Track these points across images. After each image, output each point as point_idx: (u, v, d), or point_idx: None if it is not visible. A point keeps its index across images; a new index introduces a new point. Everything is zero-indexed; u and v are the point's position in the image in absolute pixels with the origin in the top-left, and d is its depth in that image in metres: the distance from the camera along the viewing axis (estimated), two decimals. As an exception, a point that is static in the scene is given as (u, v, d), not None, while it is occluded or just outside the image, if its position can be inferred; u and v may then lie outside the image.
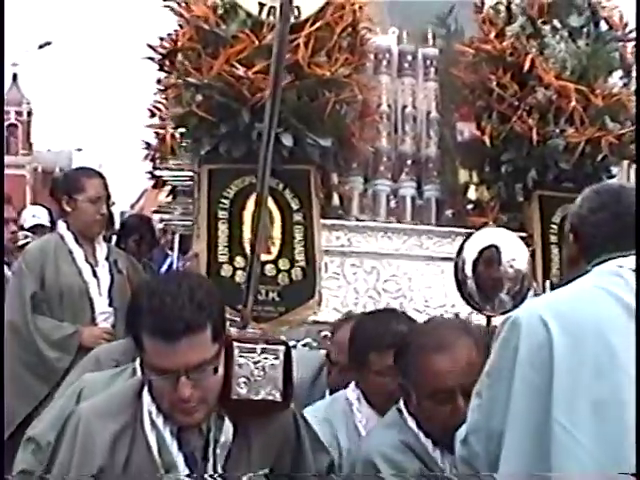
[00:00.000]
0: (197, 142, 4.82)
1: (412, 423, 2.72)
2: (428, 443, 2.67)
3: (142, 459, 2.45)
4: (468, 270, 3.66)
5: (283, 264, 4.75)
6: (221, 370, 2.45)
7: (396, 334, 3.02)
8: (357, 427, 3.17)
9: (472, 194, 5.18)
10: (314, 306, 4.73)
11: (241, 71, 4.57)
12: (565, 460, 2.04)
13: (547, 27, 5.07)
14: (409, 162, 5.35)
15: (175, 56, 4.86)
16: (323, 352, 4.06)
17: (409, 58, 5.41)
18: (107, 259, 5.14)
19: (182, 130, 4.95)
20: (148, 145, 6.01)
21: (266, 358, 2.56)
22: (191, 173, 5.14)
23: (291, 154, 4.82)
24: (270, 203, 4.86)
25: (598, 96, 5.00)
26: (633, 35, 5.20)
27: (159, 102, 5.31)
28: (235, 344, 2.52)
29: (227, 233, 4.74)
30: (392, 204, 5.30)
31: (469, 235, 3.94)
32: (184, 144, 5.13)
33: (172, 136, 5.11)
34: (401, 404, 2.80)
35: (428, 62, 5.45)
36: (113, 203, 5.19)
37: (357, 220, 5.10)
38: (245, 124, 4.68)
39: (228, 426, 2.50)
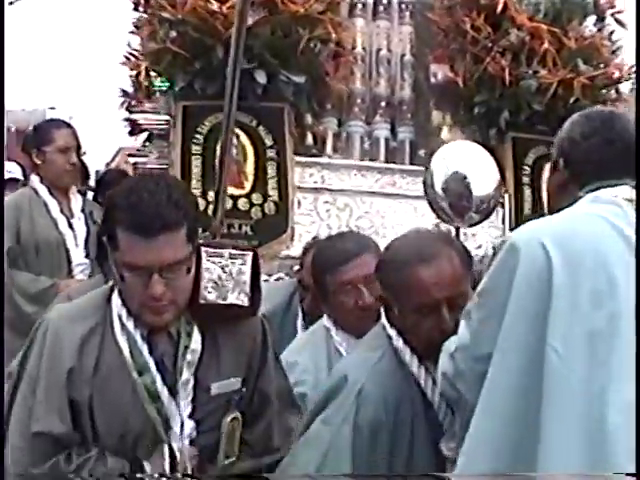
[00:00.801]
0: (171, 79, 4.83)
1: (397, 340, 2.65)
2: (413, 360, 2.61)
3: (113, 361, 2.43)
4: (438, 188, 3.68)
5: (256, 198, 4.78)
6: (192, 272, 2.44)
7: (343, 251, 3.06)
8: (338, 350, 3.15)
9: (445, 135, 5.21)
10: (287, 241, 4.76)
11: (215, 6, 4.59)
12: (556, 386, 1.99)
13: (520, -31, 5.11)
14: (383, 104, 5.38)
15: (149, -2, 4.87)
16: (293, 280, 4.09)
17: (384, 2, 5.44)
18: (82, 211, 5.10)
19: (157, 68, 4.95)
20: (124, 92, 6.01)
21: (234, 263, 2.56)
22: (167, 117, 5.15)
23: (265, 91, 4.84)
24: (244, 139, 4.91)
25: (571, 39, 5.04)
26: (606, -21, 5.25)
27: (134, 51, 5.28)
28: (203, 249, 2.51)
29: (200, 168, 4.77)
30: (366, 146, 5.34)
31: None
32: (158, 84, 5.14)
33: (147, 74, 5.09)
34: (384, 319, 2.73)
35: (403, 6, 5.47)
36: (84, 153, 5.11)
37: (330, 158, 5.12)
38: (219, 60, 4.68)
39: (197, 333, 2.49)
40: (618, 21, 5.22)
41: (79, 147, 5.17)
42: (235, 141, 4.89)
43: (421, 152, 5.27)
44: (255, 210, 4.77)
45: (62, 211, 4.97)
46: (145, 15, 5.05)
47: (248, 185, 4.80)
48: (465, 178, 3.72)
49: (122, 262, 2.36)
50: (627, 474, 1.89)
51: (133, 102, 5.78)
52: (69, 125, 5.14)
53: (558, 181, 2.39)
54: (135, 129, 5.83)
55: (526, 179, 5.15)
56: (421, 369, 2.51)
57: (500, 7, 5.01)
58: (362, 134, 5.34)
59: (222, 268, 2.55)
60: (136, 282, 2.36)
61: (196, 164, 4.75)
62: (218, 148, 4.74)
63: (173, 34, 4.72)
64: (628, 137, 2.31)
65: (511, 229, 4.08)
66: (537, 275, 2.07)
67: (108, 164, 11.61)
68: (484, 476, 2.10)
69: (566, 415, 1.98)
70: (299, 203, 4.92)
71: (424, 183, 3.78)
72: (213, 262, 2.55)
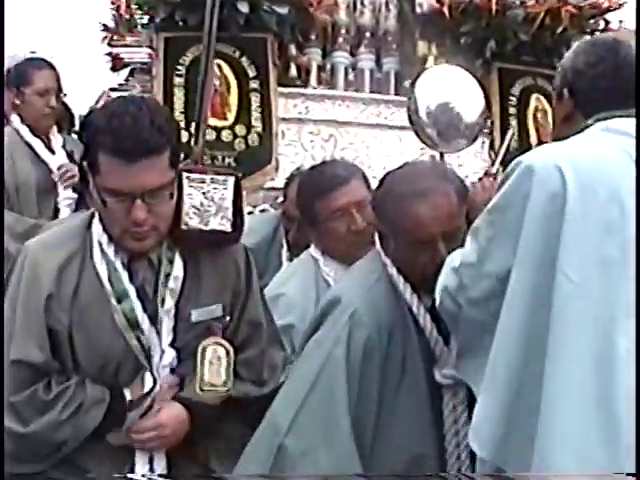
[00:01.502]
0: (153, 10, 4.74)
1: (392, 268, 2.63)
2: (407, 288, 2.59)
3: (91, 288, 2.38)
4: (423, 114, 3.62)
5: (239, 130, 4.72)
6: (174, 198, 2.39)
7: (333, 177, 3.00)
8: (326, 280, 3.12)
9: (431, 66, 5.13)
10: (271, 172, 4.71)
11: None
12: (565, 310, 1.95)
13: None
14: (368, 35, 5.32)
15: None
16: (277, 213, 4.04)
17: None
18: (64, 147, 5.01)
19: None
20: (105, 27, 5.91)
21: (215, 188, 2.52)
22: (149, 50, 5.07)
23: (247, 22, 4.76)
24: (226, 70, 4.83)
25: (559, -33, 4.97)
26: None
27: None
28: (185, 174, 2.45)
29: (183, 99, 4.70)
30: (350, 77, 5.28)
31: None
32: (139, 17, 5.06)
33: (127, 6, 5.01)
34: (379, 246, 2.70)
35: None
36: (65, 95, 4.99)
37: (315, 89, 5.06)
38: (201, -9, 4.59)
39: (179, 260, 2.45)
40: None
41: (60, 89, 5.04)
42: (218, 72, 4.83)
43: (406, 83, 5.19)
44: (239, 141, 4.71)
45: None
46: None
47: (231, 117, 4.73)
48: (450, 104, 3.66)
49: (104, 187, 2.30)
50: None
51: (115, 37, 5.68)
52: (51, 66, 4.98)
53: (563, 112, 2.32)
54: (117, 64, 5.75)
55: (512, 109, 5.10)
56: (414, 297, 2.48)
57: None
58: (346, 65, 5.27)
59: (204, 194, 2.50)
60: (118, 207, 2.30)
61: (179, 96, 4.69)
62: (200, 80, 4.73)
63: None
64: (635, 63, 2.23)
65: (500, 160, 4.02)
66: (552, 199, 2.01)
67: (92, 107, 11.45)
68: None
69: (575, 338, 1.96)
70: (283, 134, 4.87)
71: (408, 109, 3.73)
72: (195, 188, 2.50)
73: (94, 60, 6.20)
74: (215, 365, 2.50)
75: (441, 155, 3.65)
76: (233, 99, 4.76)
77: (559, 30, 4.98)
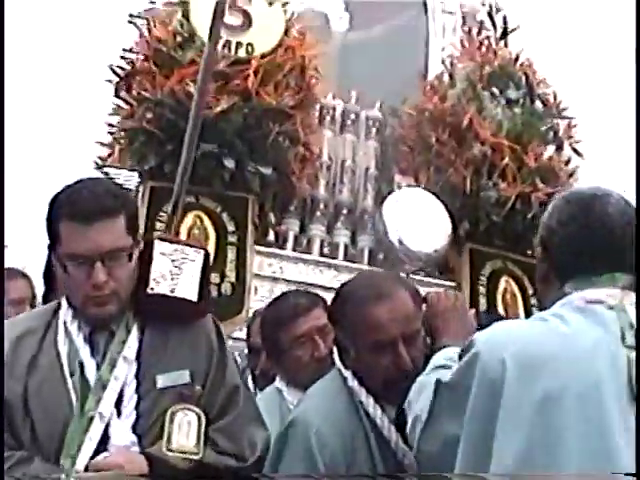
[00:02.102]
0: (143, 158, 4.92)
1: (352, 381, 2.62)
2: (369, 399, 2.58)
3: (49, 360, 2.37)
4: (395, 240, 3.69)
5: (213, 277, 4.77)
6: (133, 264, 2.40)
7: (295, 305, 3.06)
8: (290, 410, 3.09)
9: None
10: (240, 322, 4.70)
11: (192, 88, 4.74)
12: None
13: (486, 93, 5.37)
14: (345, 212, 5.49)
15: (133, 79, 5.03)
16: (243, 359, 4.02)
17: (352, 117, 5.67)
18: None
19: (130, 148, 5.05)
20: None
21: (184, 259, 2.54)
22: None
23: (232, 179, 4.95)
24: (207, 223, 4.96)
25: (531, 158, 5.23)
26: (566, 113, 5.51)
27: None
28: (156, 242, 2.50)
29: (163, 246, 4.77)
30: (325, 250, 5.39)
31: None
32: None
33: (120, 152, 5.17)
34: (338, 363, 2.71)
35: (370, 122, 5.70)
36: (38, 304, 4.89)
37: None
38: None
39: (136, 328, 2.43)
40: (575, 150, 5.44)
41: (34, 297, 4.91)
42: (198, 223, 4.97)
43: (380, 256, 5.33)
44: (211, 289, 4.75)
45: None
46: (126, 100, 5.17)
47: (207, 265, 4.80)
48: (417, 228, 3.74)
49: (65, 254, 2.34)
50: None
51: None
52: (24, 275, 4.88)
53: (540, 271, 2.20)
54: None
55: (482, 289, 5.19)
56: (377, 409, 2.47)
57: (465, 123, 5.22)
58: (323, 238, 5.41)
59: (173, 262, 2.53)
60: (79, 272, 2.33)
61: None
62: (182, 227, 4.85)
63: (149, 115, 4.85)
64: (610, 222, 2.06)
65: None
66: (491, 387, 1.98)
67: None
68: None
69: None
70: (256, 290, 4.92)
71: (374, 226, 3.79)
72: (165, 255, 2.53)
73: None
74: (184, 429, 2.41)
75: (407, 275, 3.69)
76: (210, 249, 4.84)
77: (530, 215, 5.16)
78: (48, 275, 3.58)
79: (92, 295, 2.33)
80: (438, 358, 2.35)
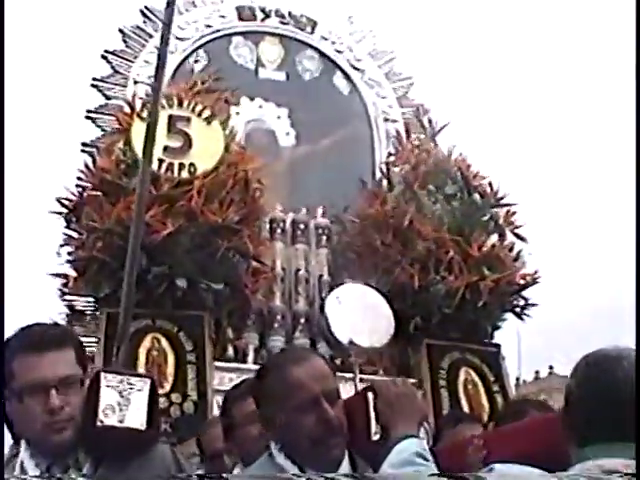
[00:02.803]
0: (97, 286, 4.98)
1: (279, 456, 2.65)
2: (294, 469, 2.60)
3: None
4: (341, 337, 3.73)
5: (175, 398, 4.78)
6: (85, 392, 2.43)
7: (250, 384, 2.98)
8: None
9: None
10: (205, 447, 4.69)
11: (139, 214, 4.83)
12: None
13: (424, 192, 5.50)
14: (302, 321, 5.54)
15: (81, 210, 5.12)
16: None
17: (301, 227, 5.77)
18: None
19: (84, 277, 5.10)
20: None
21: (131, 388, 2.58)
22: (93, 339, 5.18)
23: (185, 297, 5.00)
24: (164, 344, 4.99)
25: (474, 248, 5.33)
26: (504, 201, 5.64)
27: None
28: (102, 374, 2.48)
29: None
30: (287, 360, 5.40)
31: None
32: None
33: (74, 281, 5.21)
34: (272, 447, 2.74)
35: (320, 230, 5.80)
36: None
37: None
38: (142, 268, 4.86)
39: (89, 464, 2.42)
40: (517, 235, 5.55)
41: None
42: (156, 344, 4.99)
43: (337, 361, 5.34)
44: (174, 409, 4.75)
45: None
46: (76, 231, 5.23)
47: (168, 385, 4.81)
48: (360, 328, 3.78)
49: (20, 385, 2.38)
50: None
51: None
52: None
53: (562, 425, 2.15)
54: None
55: (443, 382, 5.21)
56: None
57: (406, 222, 5.33)
58: (283, 348, 5.42)
59: (120, 393, 2.57)
60: (34, 401, 2.36)
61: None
62: (140, 351, 4.87)
63: (99, 244, 4.93)
64: (619, 389, 2.02)
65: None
66: None
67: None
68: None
69: None
70: (219, 405, 4.90)
71: (318, 324, 3.83)
72: (111, 387, 2.55)
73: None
74: None
75: (355, 365, 3.72)
76: (170, 370, 4.87)
77: (480, 304, 5.23)
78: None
79: (49, 422, 2.35)
80: (404, 451, 2.34)
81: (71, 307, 5.50)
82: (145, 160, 3.07)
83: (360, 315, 3.73)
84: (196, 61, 6.07)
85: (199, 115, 5.24)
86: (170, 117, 5.15)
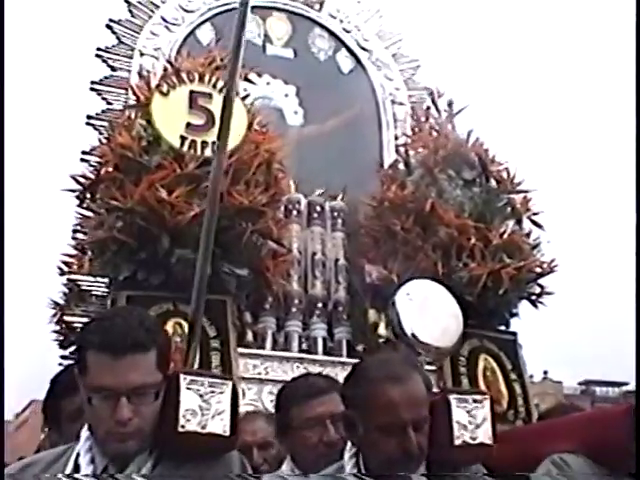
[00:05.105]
0: (116, 268, 4.60)
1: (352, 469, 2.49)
2: None
3: None
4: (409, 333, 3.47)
5: (200, 386, 4.46)
6: (160, 400, 2.27)
7: (313, 386, 3.02)
8: None
9: (382, 331, 5.06)
10: (232, 428, 4.40)
11: (163, 194, 4.47)
12: None
13: (444, 176, 5.24)
14: (319, 305, 5.26)
15: (97, 188, 4.73)
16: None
17: (317, 209, 5.47)
18: None
19: (102, 258, 4.71)
20: (55, 304, 5.72)
21: (213, 392, 2.39)
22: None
23: (208, 283, 4.65)
24: (187, 330, 4.65)
25: (495, 235, 5.10)
26: (521, 187, 5.41)
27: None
28: (182, 376, 2.36)
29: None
30: (304, 345, 5.14)
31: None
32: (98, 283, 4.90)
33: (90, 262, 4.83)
34: (345, 456, 2.60)
35: (335, 213, 5.51)
36: None
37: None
38: (165, 250, 4.51)
39: (149, 466, 2.27)
40: (534, 222, 5.32)
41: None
42: (179, 330, 4.64)
43: (359, 347, 5.10)
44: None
45: None
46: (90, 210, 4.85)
47: (193, 369, 4.49)
48: (431, 327, 3.53)
49: (91, 385, 2.21)
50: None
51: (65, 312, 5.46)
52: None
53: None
54: (66, 339, 5.48)
55: (463, 369, 4.98)
56: None
57: (428, 207, 5.07)
58: (300, 334, 5.16)
59: (201, 396, 2.35)
60: (103, 406, 2.19)
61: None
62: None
63: (120, 224, 4.54)
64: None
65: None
66: None
67: (18, 414, 11.07)
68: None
69: None
70: (243, 393, 4.61)
71: (391, 322, 3.58)
72: (192, 390, 2.36)
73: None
74: None
75: (421, 364, 3.47)
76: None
77: (501, 291, 5.00)
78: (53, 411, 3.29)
79: (114, 431, 2.19)
80: None
81: (78, 287, 5.13)
82: (220, 148, 2.80)
83: (431, 313, 3.47)
84: (218, 40, 5.64)
85: (220, 91, 4.86)
86: (191, 93, 4.77)
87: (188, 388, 2.34)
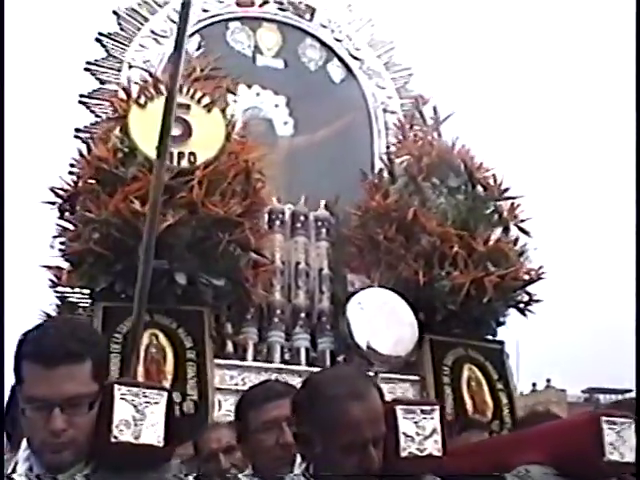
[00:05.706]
0: (93, 279, 4.57)
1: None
2: None
3: None
4: (362, 344, 3.41)
5: (174, 397, 4.37)
6: (95, 410, 2.18)
7: (270, 390, 2.98)
8: None
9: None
10: (207, 441, 4.33)
11: (137, 205, 4.44)
12: None
13: (427, 184, 5.14)
14: (303, 315, 5.18)
15: (76, 200, 4.71)
16: None
17: (301, 219, 5.39)
18: None
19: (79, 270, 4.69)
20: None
21: (148, 402, 2.29)
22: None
23: (184, 293, 4.61)
24: (163, 340, 4.61)
25: (479, 243, 4.99)
26: (509, 194, 5.30)
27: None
28: (116, 387, 2.26)
29: (118, 366, 4.39)
30: (287, 356, 5.06)
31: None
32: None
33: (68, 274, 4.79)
34: (301, 467, 2.50)
35: (319, 223, 5.44)
36: None
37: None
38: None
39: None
40: (522, 229, 5.21)
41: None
42: (154, 341, 4.60)
43: (340, 358, 5.01)
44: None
45: None
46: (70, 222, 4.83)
47: (167, 384, 4.42)
48: (384, 336, 3.45)
49: (25, 396, 2.13)
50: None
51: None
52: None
53: None
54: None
55: (446, 379, 4.88)
56: None
57: (410, 216, 4.98)
58: (282, 344, 5.08)
59: (135, 407, 2.26)
60: (37, 417, 2.11)
61: (114, 362, 4.38)
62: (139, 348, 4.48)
63: (96, 235, 4.52)
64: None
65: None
66: None
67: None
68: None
69: None
70: (220, 404, 4.55)
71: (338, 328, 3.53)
72: (126, 401, 2.27)
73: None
74: None
75: (375, 374, 3.38)
76: (169, 368, 4.49)
77: (485, 300, 4.90)
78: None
79: (49, 441, 2.11)
80: None
81: (63, 299, 5.10)
82: (161, 158, 2.74)
83: (384, 322, 3.39)
84: (199, 48, 5.59)
85: (198, 102, 4.82)
86: (169, 104, 4.72)
87: (122, 398, 2.25)
